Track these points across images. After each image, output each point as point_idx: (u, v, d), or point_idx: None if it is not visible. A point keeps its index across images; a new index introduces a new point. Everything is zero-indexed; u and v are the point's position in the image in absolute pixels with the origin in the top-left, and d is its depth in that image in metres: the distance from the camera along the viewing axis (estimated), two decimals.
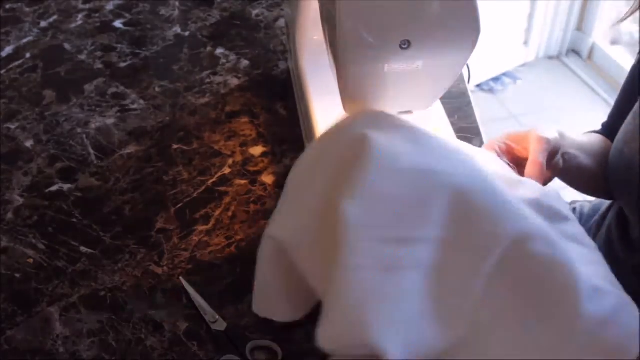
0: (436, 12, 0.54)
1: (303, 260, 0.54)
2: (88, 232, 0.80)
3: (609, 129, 0.81)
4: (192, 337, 0.69)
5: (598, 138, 0.82)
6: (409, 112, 0.68)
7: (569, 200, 0.88)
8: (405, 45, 0.55)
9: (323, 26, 0.62)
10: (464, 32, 0.56)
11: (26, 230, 0.80)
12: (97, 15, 1.12)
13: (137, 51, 1.05)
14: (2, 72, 1.02)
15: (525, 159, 0.68)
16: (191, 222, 0.80)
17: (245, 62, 1.02)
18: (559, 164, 0.71)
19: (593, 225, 0.87)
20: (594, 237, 0.83)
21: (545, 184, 0.66)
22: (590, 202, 0.95)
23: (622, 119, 0.74)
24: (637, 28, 2.33)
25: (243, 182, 0.85)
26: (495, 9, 2.20)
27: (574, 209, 0.95)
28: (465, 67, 0.88)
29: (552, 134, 0.71)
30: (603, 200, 0.91)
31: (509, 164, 0.68)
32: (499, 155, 0.70)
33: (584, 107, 2.27)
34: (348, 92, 0.63)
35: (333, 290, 0.49)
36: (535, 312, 0.52)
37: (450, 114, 0.87)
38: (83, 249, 0.78)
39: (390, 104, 0.67)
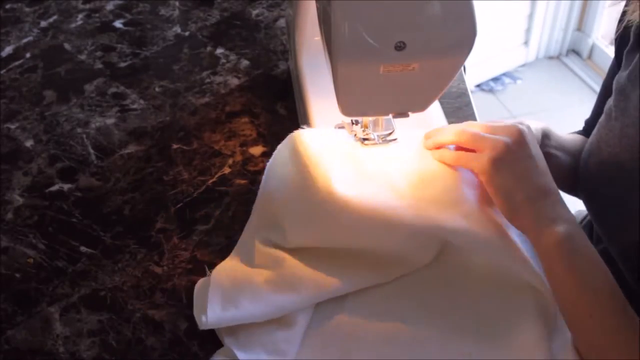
0: (432, 14, 0.54)
1: None
2: (88, 232, 0.80)
3: (591, 126, 0.81)
4: (192, 337, 0.69)
5: (580, 138, 0.82)
6: (405, 114, 0.67)
7: None
8: (401, 46, 0.55)
9: (320, 26, 0.62)
10: (460, 34, 0.56)
11: (26, 230, 0.80)
12: (97, 15, 1.12)
13: (137, 51, 1.05)
14: (2, 72, 1.02)
15: None
16: (191, 222, 0.80)
17: (245, 62, 1.02)
18: None
19: None
20: None
21: None
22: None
23: (600, 116, 0.74)
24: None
25: (243, 182, 0.85)
26: (495, 9, 2.20)
27: None
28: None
29: (534, 127, 0.72)
30: (581, 212, 0.92)
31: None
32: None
33: (584, 107, 2.28)
34: (343, 93, 0.63)
35: None
36: None
37: (450, 114, 0.87)
38: (83, 249, 0.78)
39: (386, 106, 0.66)
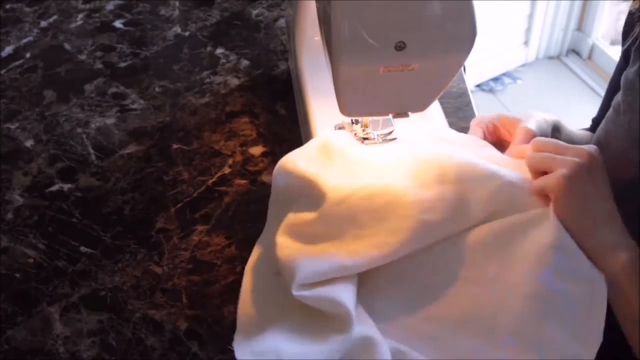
0: (432, 14, 0.54)
1: None
2: (88, 232, 0.80)
3: (598, 123, 0.81)
4: (192, 337, 0.69)
5: (591, 135, 0.83)
6: (405, 114, 0.67)
7: None
8: (401, 46, 0.55)
9: (320, 26, 0.62)
10: (460, 34, 0.56)
11: (26, 230, 0.80)
12: (97, 15, 1.12)
13: (137, 51, 1.05)
14: (2, 72, 1.02)
15: (508, 143, 0.71)
16: (191, 222, 0.81)
17: (245, 62, 1.02)
18: None
19: None
20: None
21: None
22: None
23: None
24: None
25: (243, 182, 0.85)
26: (495, 9, 2.20)
27: None
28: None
29: (540, 122, 0.73)
30: None
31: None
32: (484, 134, 0.73)
33: (584, 107, 2.28)
34: (343, 93, 0.63)
35: None
36: None
37: (450, 114, 0.87)
38: (83, 249, 0.78)
39: (386, 106, 0.67)
